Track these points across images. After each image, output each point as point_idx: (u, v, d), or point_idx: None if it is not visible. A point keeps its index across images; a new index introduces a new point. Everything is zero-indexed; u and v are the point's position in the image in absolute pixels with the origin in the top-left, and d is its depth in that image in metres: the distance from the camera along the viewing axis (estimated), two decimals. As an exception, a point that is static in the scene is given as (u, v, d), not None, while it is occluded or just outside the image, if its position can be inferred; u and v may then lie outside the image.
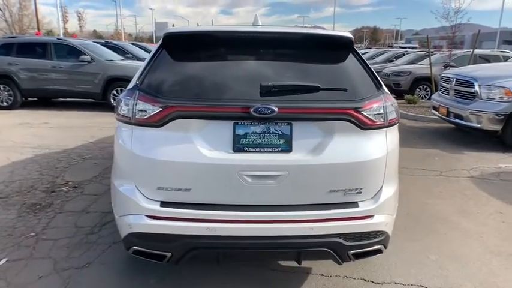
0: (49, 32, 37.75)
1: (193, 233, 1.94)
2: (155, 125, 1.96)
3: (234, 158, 1.94)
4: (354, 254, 2.06)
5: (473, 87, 5.96)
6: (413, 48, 29.20)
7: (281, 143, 1.97)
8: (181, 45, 2.24)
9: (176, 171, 1.96)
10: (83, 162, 4.93)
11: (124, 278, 2.54)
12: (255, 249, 1.99)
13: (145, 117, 1.98)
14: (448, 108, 6.42)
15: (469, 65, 9.01)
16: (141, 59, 10.80)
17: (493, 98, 5.77)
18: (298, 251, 2.01)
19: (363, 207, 2.04)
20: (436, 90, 8.09)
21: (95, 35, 61.19)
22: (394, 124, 2.16)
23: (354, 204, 2.04)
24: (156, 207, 1.97)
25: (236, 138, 1.95)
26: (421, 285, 2.48)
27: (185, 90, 2.00)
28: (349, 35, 2.26)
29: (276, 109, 1.89)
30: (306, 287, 2.44)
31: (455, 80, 6.45)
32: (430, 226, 3.32)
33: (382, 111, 2.05)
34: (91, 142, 5.92)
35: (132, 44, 12.75)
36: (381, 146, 2.08)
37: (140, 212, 1.99)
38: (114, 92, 8.42)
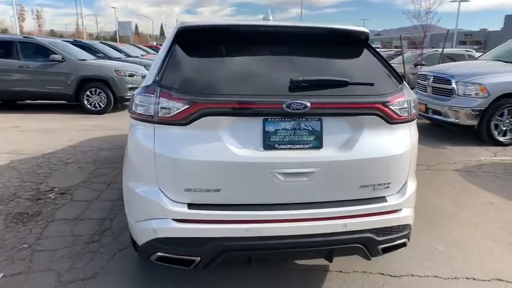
0: (4, 31, 35.57)
1: (225, 235, 1.86)
2: (181, 123, 1.86)
3: (265, 156, 1.88)
4: (382, 249, 2.06)
5: (451, 84, 6.21)
6: (377, 48, 30.15)
7: (312, 139, 1.93)
8: (198, 40, 2.16)
9: (205, 171, 1.86)
10: (65, 167, 4.65)
11: None
12: (288, 248, 1.93)
13: (169, 115, 1.87)
14: (426, 104, 6.65)
15: (439, 63, 9.41)
16: (114, 59, 10.41)
17: (469, 94, 6.03)
18: (331, 248, 1.97)
19: (392, 201, 2.04)
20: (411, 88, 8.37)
21: (53, 35, 58.41)
22: (415, 118, 2.18)
23: (383, 198, 2.04)
24: (183, 210, 1.87)
25: (266, 135, 1.89)
26: (436, 276, 2.53)
27: (211, 87, 1.91)
28: (366, 29, 2.26)
29: (308, 104, 1.85)
30: (328, 284, 2.42)
31: (432, 77, 6.69)
32: (431, 218, 3.42)
33: (406, 105, 2.06)
34: (70, 146, 5.61)
35: (102, 43, 12.25)
36: (406, 140, 2.10)
37: (166, 215, 1.88)
38: (88, 93, 8.03)
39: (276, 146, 1.90)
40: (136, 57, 12.74)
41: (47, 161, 4.84)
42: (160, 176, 1.90)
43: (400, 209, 2.06)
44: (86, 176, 4.34)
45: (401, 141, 2.07)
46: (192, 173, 1.87)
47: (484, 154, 5.56)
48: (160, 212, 1.89)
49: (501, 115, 5.93)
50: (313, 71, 2.05)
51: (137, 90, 2.10)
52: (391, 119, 2.00)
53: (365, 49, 2.25)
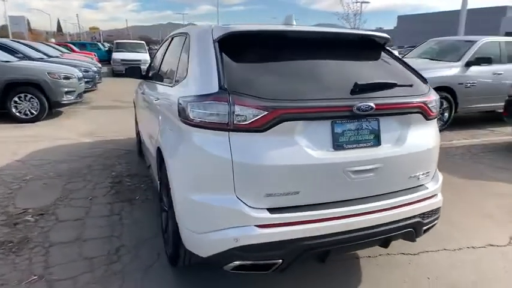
0: None
1: (305, 235, 1.92)
2: (258, 130, 1.86)
3: (337, 156, 1.98)
4: (424, 230, 2.32)
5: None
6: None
7: (372, 137, 2.09)
8: (250, 44, 2.17)
9: (286, 175, 1.90)
10: (27, 185, 4.11)
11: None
12: (358, 241, 2.07)
13: (245, 122, 1.86)
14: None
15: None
16: (36, 59, 9.27)
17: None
18: (391, 235, 2.17)
19: (430, 188, 2.31)
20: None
21: None
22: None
23: (424, 186, 2.30)
24: (266, 215, 1.88)
25: (335, 137, 2.00)
26: (445, 249, 2.91)
27: (284, 92, 1.95)
28: (387, 35, 2.50)
29: (373, 105, 2.00)
30: (366, 269, 2.62)
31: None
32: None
33: (435, 103, 2.34)
34: (17, 160, 4.94)
35: (14, 41, 10.77)
36: (436, 133, 2.39)
37: (248, 222, 1.87)
38: (16, 99, 7.07)
39: (344, 146, 2.02)
40: (57, 57, 11.52)
41: (-1, 180, 4.22)
42: (238, 183, 1.88)
43: (436, 194, 2.35)
44: (58, 192, 3.90)
45: (434, 134, 2.36)
46: (273, 178, 1.89)
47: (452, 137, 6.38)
48: (241, 219, 1.87)
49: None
50: (359, 74, 2.22)
51: (192, 98, 2.02)
52: (428, 116, 2.27)
53: (388, 53, 2.49)
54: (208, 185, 1.96)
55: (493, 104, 7.29)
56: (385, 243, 2.23)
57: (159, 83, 3.12)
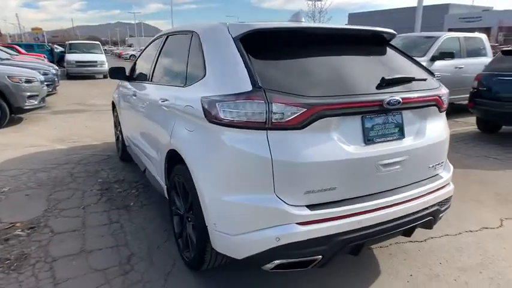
0: None
1: (343, 229, 1.95)
2: (296, 127, 1.86)
3: (369, 151, 2.03)
4: (440, 217, 2.44)
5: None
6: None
7: (397, 131, 2.16)
8: (275, 42, 2.17)
9: (324, 171, 1.91)
10: (7, 198, 3.80)
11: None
12: (388, 232, 2.12)
13: (283, 120, 1.85)
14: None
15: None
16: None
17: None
18: (417, 224, 2.25)
19: (445, 177, 2.43)
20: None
21: None
22: None
23: (439, 176, 2.42)
24: (306, 212, 1.89)
25: (366, 131, 2.04)
26: (447, 234, 3.07)
27: (315, 88, 1.96)
28: (394, 31, 2.60)
29: (401, 100, 2.07)
30: (381, 259, 2.70)
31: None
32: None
33: (446, 96, 2.47)
34: (-12, 171, 4.55)
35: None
36: (446, 125, 2.52)
37: (289, 221, 1.86)
38: (-27, 106, 6.51)
39: (374, 140, 2.07)
40: (8, 59, 10.70)
41: (-27, 194, 3.87)
42: (278, 182, 1.87)
43: (449, 183, 2.47)
44: (44, 203, 3.65)
45: (445, 126, 2.48)
46: (312, 175, 1.89)
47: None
48: (282, 218, 1.86)
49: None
50: (380, 69, 2.29)
51: (222, 97, 1.97)
52: (441, 108, 2.39)
53: (394, 48, 2.59)
54: (244, 185, 1.93)
55: (455, 96, 7.78)
56: (409, 233, 2.32)
57: (163, 84, 3.00)
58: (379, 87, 2.10)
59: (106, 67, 18.07)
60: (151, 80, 3.37)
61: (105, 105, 9.92)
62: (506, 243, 2.97)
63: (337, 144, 1.94)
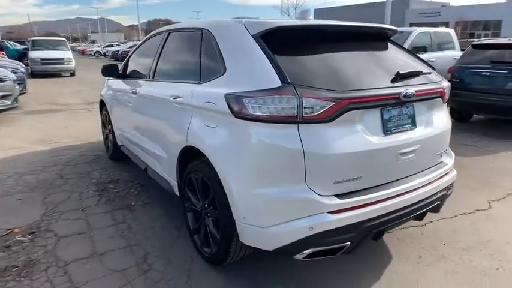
0: None
1: (371, 216, 2.05)
2: (325, 120, 1.94)
3: (389, 141, 2.14)
4: (445, 201, 2.61)
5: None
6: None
7: (410, 122, 2.29)
8: (296, 39, 2.23)
9: (352, 161, 2.00)
10: (-3, 203, 3.64)
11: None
12: (407, 216, 2.25)
13: (313, 114, 1.91)
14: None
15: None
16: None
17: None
18: (429, 208, 2.40)
19: (449, 163, 2.60)
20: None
21: None
22: None
23: (444, 162, 2.58)
24: (336, 202, 1.97)
25: (385, 123, 2.15)
26: (444, 218, 3.27)
27: (339, 83, 2.04)
28: (395, 28, 2.73)
29: (414, 92, 2.20)
30: (391, 244, 2.84)
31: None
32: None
33: (448, 89, 2.62)
34: (-30, 177, 4.31)
35: None
36: (448, 115, 2.68)
37: (321, 210, 1.94)
38: None
39: (391, 130, 2.18)
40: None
41: (-40, 200, 3.66)
42: (309, 173, 1.94)
43: (453, 169, 2.65)
44: (40, 207, 3.52)
45: (448, 115, 2.65)
46: (341, 166, 1.98)
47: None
48: (315, 208, 1.94)
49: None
50: (390, 63, 2.41)
51: (249, 93, 2.00)
52: (444, 100, 2.54)
53: (395, 44, 2.72)
54: (275, 178, 1.98)
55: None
56: (421, 217, 2.47)
57: (172, 81, 2.95)
58: (393, 80, 2.22)
59: (73, 64, 17.38)
60: (153, 78, 3.33)
61: (79, 104, 9.60)
62: (497, 222, 3.21)
63: (362, 135, 2.04)
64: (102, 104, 4.99)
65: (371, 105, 2.08)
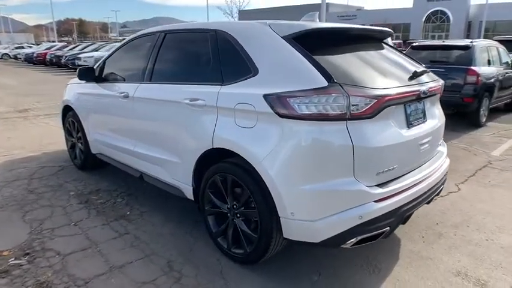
0: None
1: (406, 201, 2.27)
2: (369, 116, 2.10)
3: (413, 133, 2.38)
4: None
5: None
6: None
7: (422, 116, 2.56)
8: (326, 40, 2.37)
9: (391, 153, 2.19)
10: (-32, 226, 3.18)
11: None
12: (427, 199, 2.52)
13: (359, 110, 2.06)
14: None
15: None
16: None
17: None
18: (438, 191, 2.70)
19: (444, 152, 2.95)
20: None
21: None
22: None
23: (441, 151, 2.92)
24: (380, 191, 2.14)
25: (408, 117, 2.39)
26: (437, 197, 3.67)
27: (376, 81, 2.23)
28: (390, 30, 3.03)
29: (428, 89, 2.47)
30: (409, 227, 3.10)
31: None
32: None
33: (443, 87, 2.96)
34: None
35: None
36: (441, 108, 3.04)
37: (369, 199, 2.10)
38: None
39: (413, 124, 2.43)
40: None
41: None
42: (358, 166, 2.08)
43: (447, 157, 3.00)
44: (23, 226, 3.18)
45: (441, 109, 2.99)
46: (383, 157, 2.15)
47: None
48: (363, 198, 2.09)
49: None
50: (400, 63, 2.67)
51: (295, 93, 2.08)
52: (440, 96, 2.89)
53: (389, 45, 3.02)
54: (324, 173, 2.09)
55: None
56: (430, 200, 2.76)
57: (182, 83, 2.84)
58: (410, 79, 2.47)
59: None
60: (150, 80, 3.19)
61: (10, 113, 8.63)
62: (470, 201, 3.69)
63: (395, 129, 2.25)
64: (66, 111, 4.59)
65: (402, 101, 2.30)
